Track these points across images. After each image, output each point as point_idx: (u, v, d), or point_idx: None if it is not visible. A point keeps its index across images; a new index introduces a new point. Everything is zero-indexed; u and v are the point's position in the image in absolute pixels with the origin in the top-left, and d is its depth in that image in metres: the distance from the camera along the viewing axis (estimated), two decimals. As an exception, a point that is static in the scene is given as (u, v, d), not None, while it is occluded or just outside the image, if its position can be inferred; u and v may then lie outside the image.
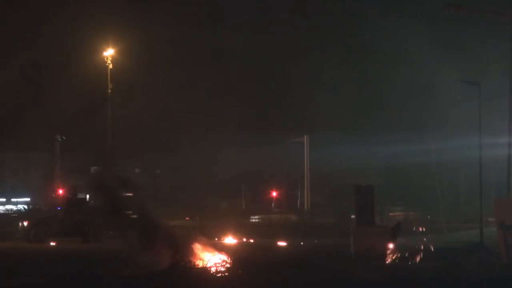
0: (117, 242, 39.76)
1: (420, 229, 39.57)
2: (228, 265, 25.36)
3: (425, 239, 33.85)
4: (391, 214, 55.60)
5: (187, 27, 63.89)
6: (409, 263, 29.07)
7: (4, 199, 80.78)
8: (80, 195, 55.93)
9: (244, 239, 41.28)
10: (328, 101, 66.22)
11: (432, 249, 31.28)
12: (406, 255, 30.52)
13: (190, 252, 25.99)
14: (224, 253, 28.28)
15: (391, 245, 32.02)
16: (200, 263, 24.79)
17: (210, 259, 25.86)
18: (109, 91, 60.52)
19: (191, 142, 67.33)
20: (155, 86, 60.96)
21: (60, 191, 60.92)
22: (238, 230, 40.89)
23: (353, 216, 37.42)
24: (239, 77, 65.75)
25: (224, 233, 39.66)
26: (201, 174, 67.69)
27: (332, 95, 66.38)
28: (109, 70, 60.41)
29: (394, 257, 30.25)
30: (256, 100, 65.00)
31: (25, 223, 43.77)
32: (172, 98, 59.95)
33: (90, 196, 56.31)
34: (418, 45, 64.56)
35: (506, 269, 27.45)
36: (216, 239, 35.78)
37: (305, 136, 66.75)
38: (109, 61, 60.34)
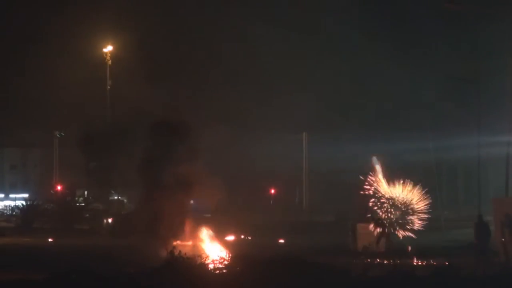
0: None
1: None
2: (226, 262, 25.34)
3: None
4: None
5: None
6: (408, 261, 29.13)
7: (2, 195, 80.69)
8: (79, 191, 55.95)
9: (242, 236, 41.26)
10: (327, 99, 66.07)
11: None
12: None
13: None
14: (222, 249, 28.35)
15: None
16: (198, 259, 24.72)
17: (209, 255, 25.88)
18: (108, 87, 60.38)
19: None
20: (154, 83, 60.62)
21: (59, 187, 60.76)
22: (236, 228, 40.87)
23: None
24: (236, 74, 65.53)
25: (223, 230, 39.63)
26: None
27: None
28: (108, 66, 60.31)
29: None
30: (256, 97, 64.68)
31: (110, 220, 45.02)
32: (170, 95, 59.63)
33: (88, 192, 56.24)
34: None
35: (504, 267, 27.49)
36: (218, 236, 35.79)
37: (304, 134, 66.85)
38: (108, 58, 60.23)
